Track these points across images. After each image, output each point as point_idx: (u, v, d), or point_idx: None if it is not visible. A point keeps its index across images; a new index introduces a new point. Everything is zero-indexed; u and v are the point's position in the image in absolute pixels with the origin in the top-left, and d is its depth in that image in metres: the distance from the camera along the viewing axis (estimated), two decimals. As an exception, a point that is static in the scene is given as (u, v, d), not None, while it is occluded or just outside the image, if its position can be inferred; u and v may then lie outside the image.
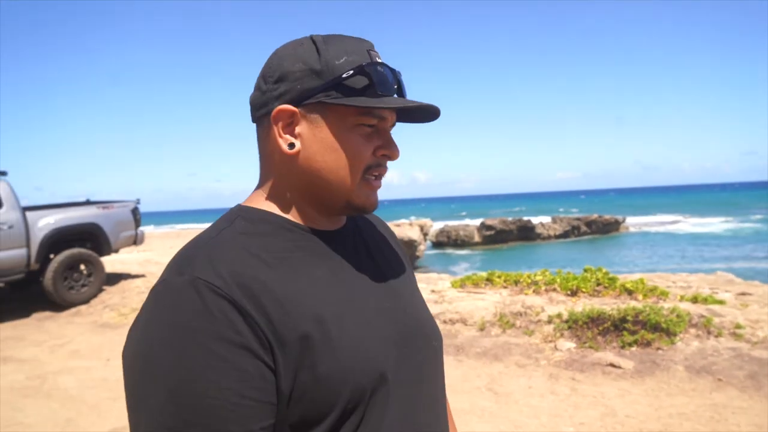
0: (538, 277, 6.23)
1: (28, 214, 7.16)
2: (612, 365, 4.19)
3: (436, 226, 31.02)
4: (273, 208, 0.77)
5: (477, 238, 30.97)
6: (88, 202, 8.25)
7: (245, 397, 0.61)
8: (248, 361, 0.62)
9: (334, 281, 0.73)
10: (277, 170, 0.77)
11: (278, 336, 0.64)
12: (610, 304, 5.07)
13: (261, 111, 0.76)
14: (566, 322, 4.86)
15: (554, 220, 34.81)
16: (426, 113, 0.79)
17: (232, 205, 0.80)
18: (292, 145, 0.73)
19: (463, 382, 4.15)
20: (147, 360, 0.62)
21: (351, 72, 0.71)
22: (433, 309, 5.60)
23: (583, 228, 33.74)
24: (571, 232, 33.62)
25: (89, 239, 7.80)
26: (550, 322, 4.99)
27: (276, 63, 0.74)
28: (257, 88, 0.77)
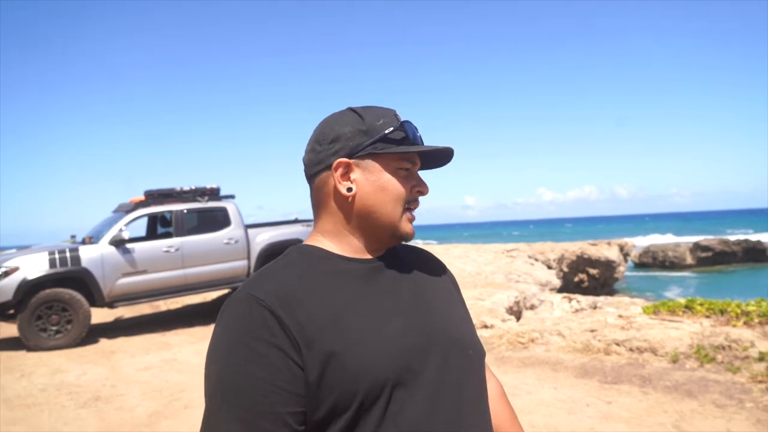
0: (751, 308, 5.41)
1: (249, 230, 8.43)
2: (843, 418, 3.48)
3: (639, 246, 28.31)
4: (323, 243, 0.95)
5: (689, 260, 27.40)
6: (296, 221, 9.37)
7: (275, 386, 0.78)
8: (279, 358, 0.79)
9: (363, 296, 0.88)
10: (334, 211, 0.95)
11: (306, 340, 0.80)
12: None
13: (318, 167, 0.95)
14: (783, 361, 4.16)
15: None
16: (441, 158, 1.00)
17: None
18: (350, 189, 0.92)
19: (646, 416, 3.82)
20: (210, 351, 0.84)
21: (392, 129, 0.93)
22: (618, 335, 5.23)
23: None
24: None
25: None
26: (761, 359, 4.32)
27: (328, 129, 0.95)
28: (311, 150, 0.97)
